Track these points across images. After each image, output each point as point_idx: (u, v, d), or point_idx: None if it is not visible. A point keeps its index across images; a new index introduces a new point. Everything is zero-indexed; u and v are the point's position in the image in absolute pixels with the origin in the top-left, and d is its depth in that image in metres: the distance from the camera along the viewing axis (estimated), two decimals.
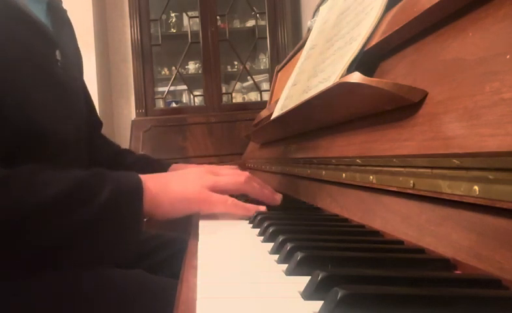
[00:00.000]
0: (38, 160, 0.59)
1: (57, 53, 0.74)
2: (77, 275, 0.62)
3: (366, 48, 0.59)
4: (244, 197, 0.70)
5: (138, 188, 0.59)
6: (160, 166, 1.00)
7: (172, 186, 0.63)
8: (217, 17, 2.83)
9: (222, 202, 0.62)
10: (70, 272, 0.62)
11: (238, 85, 2.98)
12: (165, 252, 0.88)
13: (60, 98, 0.72)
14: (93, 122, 1.00)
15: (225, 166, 0.70)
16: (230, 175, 0.67)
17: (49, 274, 0.60)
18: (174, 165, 1.01)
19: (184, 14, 2.91)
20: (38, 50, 0.69)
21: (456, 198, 0.35)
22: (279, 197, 0.68)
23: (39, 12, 0.74)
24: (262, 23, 2.87)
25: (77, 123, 0.79)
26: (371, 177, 0.50)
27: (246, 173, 0.68)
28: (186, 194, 0.62)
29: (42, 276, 0.60)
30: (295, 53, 1.29)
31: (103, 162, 0.98)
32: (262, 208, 0.63)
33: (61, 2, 0.86)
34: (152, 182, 0.61)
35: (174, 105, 2.95)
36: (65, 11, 0.87)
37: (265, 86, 2.93)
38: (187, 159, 2.43)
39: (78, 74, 0.87)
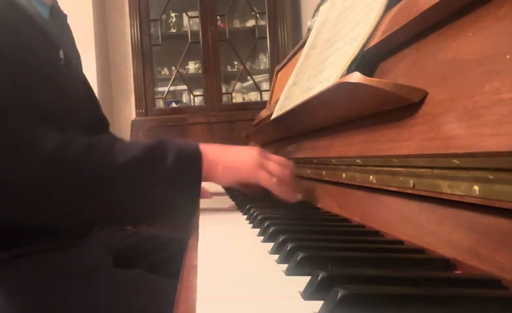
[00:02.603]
0: None
1: (61, 52, 0.77)
2: (75, 274, 0.62)
3: (366, 48, 0.59)
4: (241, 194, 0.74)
5: (198, 155, 0.68)
6: None
7: (227, 156, 0.72)
8: (217, 17, 2.82)
9: (268, 178, 0.70)
10: (68, 272, 0.62)
11: (238, 85, 2.98)
12: (164, 252, 0.88)
13: (63, 95, 0.76)
14: (98, 119, 1.01)
15: (278, 156, 0.77)
16: (278, 162, 0.73)
17: (49, 274, 0.60)
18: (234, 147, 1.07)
19: (184, 14, 2.91)
20: (43, 50, 0.72)
21: (456, 198, 0.35)
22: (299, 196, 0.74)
23: (44, 14, 0.75)
24: (262, 23, 2.87)
25: (79, 120, 0.81)
26: (371, 177, 0.50)
27: (291, 166, 0.74)
28: (238, 164, 0.71)
29: (41, 277, 0.60)
30: (295, 53, 1.29)
31: None
32: (299, 196, 0.71)
33: (60, 8, 0.88)
34: (209, 149, 0.70)
35: (174, 105, 2.95)
36: (66, 16, 0.89)
37: (265, 86, 2.93)
38: None
39: (79, 74, 0.89)
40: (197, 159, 0.68)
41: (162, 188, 0.65)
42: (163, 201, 0.67)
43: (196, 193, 0.67)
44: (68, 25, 0.91)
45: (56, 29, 0.78)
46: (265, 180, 0.70)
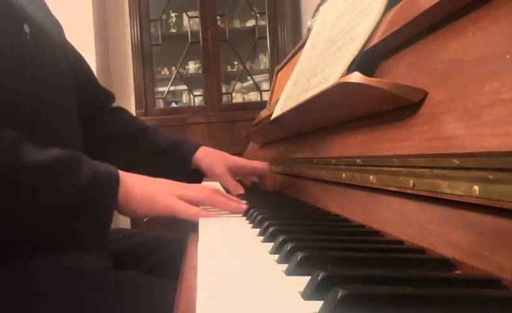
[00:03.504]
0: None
1: (25, 26, 0.69)
2: (71, 277, 0.61)
3: (366, 48, 0.59)
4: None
5: (115, 178, 0.63)
6: (186, 148, 1.00)
7: (145, 187, 0.67)
8: (217, 17, 2.83)
9: (185, 209, 0.66)
10: (64, 274, 0.62)
11: (238, 85, 2.98)
12: (164, 252, 0.88)
13: (28, 73, 0.69)
14: (94, 91, 0.95)
15: (256, 161, 0.73)
16: (196, 189, 0.70)
17: (42, 275, 0.60)
18: (203, 148, 1.01)
19: (184, 14, 2.91)
20: (2, 26, 0.65)
21: (456, 198, 0.35)
22: (244, 207, 0.70)
23: None
24: (262, 23, 2.87)
25: (59, 98, 0.76)
26: (371, 177, 0.50)
27: (211, 188, 0.71)
28: (155, 196, 0.66)
29: (35, 277, 0.59)
30: (295, 53, 1.29)
31: (115, 140, 0.96)
32: (233, 205, 0.69)
33: None
34: (128, 177, 0.65)
35: (174, 105, 2.95)
36: None
37: (265, 86, 2.93)
38: None
39: (59, 46, 0.82)
40: (114, 182, 0.62)
41: (68, 207, 0.57)
42: (67, 222, 0.59)
43: (107, 220, 0.61)
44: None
45: (17, 2, 0.70)
46: (183, 212, 0.65)
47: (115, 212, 0.64)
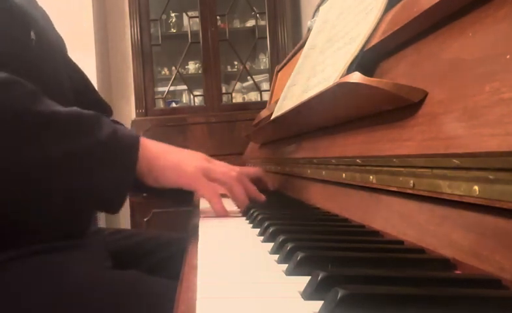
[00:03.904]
0: None
1: (32, 33, 0.71)
2: (71, 275, 0.61)
3: (366, 48, 0.59)
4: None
5: (136, 140, 0.61)
6: None
7: (170, 155, 0.64)
8: (217, 17, 2.82)
9: (209, 190, 0.64)
10: (64, 272, 0.62)
11: (238, 85, 2.98)
12: (164, 252, 0.88)
13: (34, 74, 0.69)
14: (93, 102, 0.95)
15: (247, 167, 0.72)
16: (223, 167, 0.68)
17: (42, 274, 0.60)
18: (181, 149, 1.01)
19: (184, 14, 2.91)
20: (9, 30, 0.67)
21: (456, 198, 0.35)
22: (262, 197, 0.70)
23: None
24: (262, 23, 2.87)
25: (60, 103, 0.77)
26: (371, 177, 0.50)
27: (238, 169, 0.69)
28: (180, 166, 0.64)
29: (35, 276, 0.59)
30: (295, 53, 1.29)
31: None
32: (246, 201, 0.66)
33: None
34: (152, 143, 0.64)
35: (174, 105, 2.95)
36: (42, 8, 0.85)
37: (265, 86, 2.93)
38: None
39: (61, 55, 0.85)
40: (135, 145, 0.60)
41: (91, 161, 0.55)
42: (84, 177, 0.56)
43: (127, 182, 0.58)
44: (46, 14, 0.87)
45: (27, 10, 0.73)
46: (206, 192, 0.64)
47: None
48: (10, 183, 0.55)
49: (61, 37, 0.91)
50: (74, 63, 0.93)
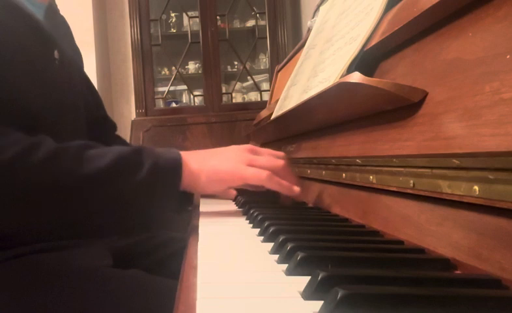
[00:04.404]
0: None
1: (55, 52, 0.76)
2: (71, 273, 0.61)
3: (366, 48, 0.59)
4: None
5: (177, 165, 0.63)
6: None
7: (210, 163, 0.66)
8: (217, 17, 2.82)
9: (256, 175, 0.64)
10: (65, 270, 0.62)
11: (238, 85, 2.98)
12: (165, 251, 0.88)
13: (57, 95, 0.74)
14: (101, 120, 1.00)
15: (271, 150, 0.71)
16: (269, 155, 0.68)
17: (44, 273, 0.60)
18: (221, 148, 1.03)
19: (184, 14, 2.91)
20: (35, 49, 0.71)
21: (456, 198, 0.35)
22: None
23: (38, 15, 0.76)
24: (262, 23, 2.87)
25: (75, 121, 0.80)
26: (371, 177, 0.50)
27: (284, 157, 0.69)
28: (222, 170, 0.65)
29: (37, 274, 0.60)
30: (295, 53, 1.29)
31: None
32: (296, 189, 0.65)
33: (58, 10, 0.89)
34: (191, 158, 0.65)
35: (174, 105, 2.95)
36: (63, 17, 0.90)
37: (265, 86, 2.93)
38: None
39: (78, 72, 0.89)
40: (176, 170, 0.63)
41: (134, 200, 0.61)
42: (135, 214, 0.63)
43: (173, 206, 0.64)
44: (66, 23, 0.91)
45: (52, 29, 0.78)
46: (253, 177, 0.64)
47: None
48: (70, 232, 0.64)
49: (80, 52, 0.94)
50: (88, 79, 0.97)
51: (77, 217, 0.60)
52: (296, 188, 0.66)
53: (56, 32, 0.80)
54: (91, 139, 0.91)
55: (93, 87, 1.00)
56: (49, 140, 0.60)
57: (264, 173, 0.64)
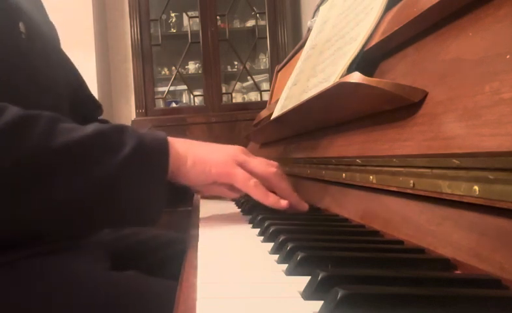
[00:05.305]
0: None
1: (21, 25, 0.68)
2: (69, 276, 0.61)
3: (366, 48, 0.59)
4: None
5: (164, 144, 0.57)
6: None
7: (199, 150, 0.61)
8: (217, 17, 2.83)
9: (244, 179, 0.59)
10: (63, 273, 0.61)
11: (238, 85, 2.98)
12: (165, 251, 0.88)
13: (28, 72, 0.68)
14: (84, 99, 0.94)
15: (264, 159, 0.66)
16: (262, 160, 0.64)
17: (41, 275, 0.60)
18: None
19: (184, 14, 2.92)
20: None
21: (456, 198, 0.35)
22: (306, 206, 0.64)
23: None
24: (262, 23, 2.87)
25: (50, 101, 0.73)
26: (371, 177, 0.50)
27: (277, 166, 0.64)
28: (210, 160, 0.60)
29: (34, 277, 0.59)
30: (295, 53, 1.29)
31: None
32: (283, 203, 0.59)
33: None
34: (178, 141, 0.60)
35: (174, 105, 2.95)
36: None
37: (265, 86, 2.93)
38: None
39: (54, 48, 0.82)
40: (164, 148, 0.56)
41: (119, 181, 0.53)
42: (115, 200, 0.54)
43: (160, 189, 0.56)
44: None
45: (16, 1, 0.69)
46: (241, 179, 0.58)
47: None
48: (47, 223, 0.55)
49: (54, 27, 0.88)
50: (67, 57, 0.90)
51: (60, 197, 0.51)
52: (283, 203, 0.60)
53: (21, 2, 0.71)
54: (75, 122, 0.88)
55: (73, 64, 0.92)
56: (13, 107, 0.52)
57: (252, 180, 0.59)
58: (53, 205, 0.52)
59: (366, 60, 0.59)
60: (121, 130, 0.56)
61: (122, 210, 0.56)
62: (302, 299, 0.29)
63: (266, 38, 2.84)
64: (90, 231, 0.58)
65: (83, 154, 0.52)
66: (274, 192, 0.62)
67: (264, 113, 1.44)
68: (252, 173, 0.60)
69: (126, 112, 3.06)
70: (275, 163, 0.66)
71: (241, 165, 0.60)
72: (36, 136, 0.50)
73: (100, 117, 1.02)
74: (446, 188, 0.36)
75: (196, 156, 0.60)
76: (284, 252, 0.39)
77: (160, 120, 2.66)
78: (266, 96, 2.76)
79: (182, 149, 0.59)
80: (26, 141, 0.49)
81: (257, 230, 0.53)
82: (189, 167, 0.59)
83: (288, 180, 0.64)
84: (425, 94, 0.43)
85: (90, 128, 0.54)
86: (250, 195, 0.60)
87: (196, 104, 2.92)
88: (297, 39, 2.81)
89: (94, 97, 0.98)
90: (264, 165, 0.62)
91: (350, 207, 0.57)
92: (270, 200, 0.59)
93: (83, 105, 0.93)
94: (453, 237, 0.36)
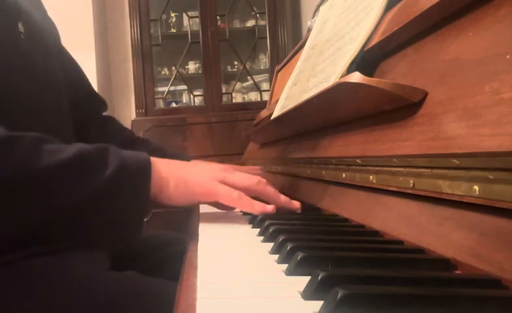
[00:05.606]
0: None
1: (20, 25, 0.69)
2: (69, 276, 0.61)
3: (366, 48, 0.59)
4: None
5: (146, 166, 0.58)
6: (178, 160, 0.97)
7: (181, 171, 0.61)
8: (217, 17, 2.83)
9: (227, 194, 0.60)
10: (62, 273, 0.61)
11: (238, 85, 2.98)
12: (164, 252, 0.88)
13: (24, 74, 0.68)
14: (87, 96, 0.94)
15: (247, 167, 0.67)
16: (243, 173, 0.64)
17: (41, 276, 0.60)
18: (194, 162, 0.99)
19: (184, 14, 2.91)
20: None
21: (456, 198, 0.35)
22: (297, 204, 0.64)
23: None
24: (262, 23, 2.87)
25: (52, 100, 0.74)
26: (371, 177, 0.50)
27: (259, 177, 0.64)
28: (193, 181, 0.60)
29: (34, 277, 0.59)
30: (295, 53, 1.29)
31: None
32: (270, 207, 0.60)
33: None
34: (160, 163, 0.60)
35: (174, 105, 2.95)
36: None
37: (265, 86, 2.93)
38: None
39: (54, 46, 0.83)
40: (146, 170, 0.57)
41: (97, 204, 0.54)
42: (98, 220, 0.55)
43: (141, 212, 0.57)
44: None
45: (15, 1, 0.69)
46: (225, 195, 0.59)
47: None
48: (26, 242, 0.57)
49: (54, 24, 0.88)
50: (68, 53, 0.90)
51: (39, 218, 0.53)
52: (270, 207, 0.60)
53: (20, 3, 0.71)
54: (78, 119, 0.84)
55: (75, 62, 0.93)
56: None
57: (234, 193, 0.59)
58: (32, 225, 0.54)
59: (366, 61, 0.59)
60: (104, 151, 0.57)
61: (101, 232, 0.57)
62: (302, 299, 0.29)
63: (266, 38, 2.84)
64: (67, 248, 0.60)
65: (62, 177, 0.53)
66: (263, 200, 0.62)
67: (264, 113, 1.44)
68: (235, 187, 0.60)
69: (126, 112, 3.06)
70: (258, 171, 0.66)
71: (223, 182, 0.61)
72: (17, 159, 0.51)
73: (104, 113, 1.02)
74: (446, 188, 0.36)
75: (179, 177, 0.60)
76: (284, 252, 0.39)
77: (160, 120, 2.66)
78: (266, 96, 2.76)
79: (164, 170, 0.60)
80: (6, 163, 0.50)
81: (257, 230, 0.53)
82: (172, 189, 0.60)
83: (273, 186, 0.65)
84: (425, 94, 0.43)
85: (73, 149, 0.55)
86: (236, 207, 0.61)
87: (196, 104, 2.92)
88: (297, 39, 2.81)
89: (96, 93, 0.98)
90: (246, 177, 0.63)
91: (350, 207, 0.57)
92: (256, 208, 0.60)
93: (86, 102, 0.93)
94: (453, 237, 0.36)
